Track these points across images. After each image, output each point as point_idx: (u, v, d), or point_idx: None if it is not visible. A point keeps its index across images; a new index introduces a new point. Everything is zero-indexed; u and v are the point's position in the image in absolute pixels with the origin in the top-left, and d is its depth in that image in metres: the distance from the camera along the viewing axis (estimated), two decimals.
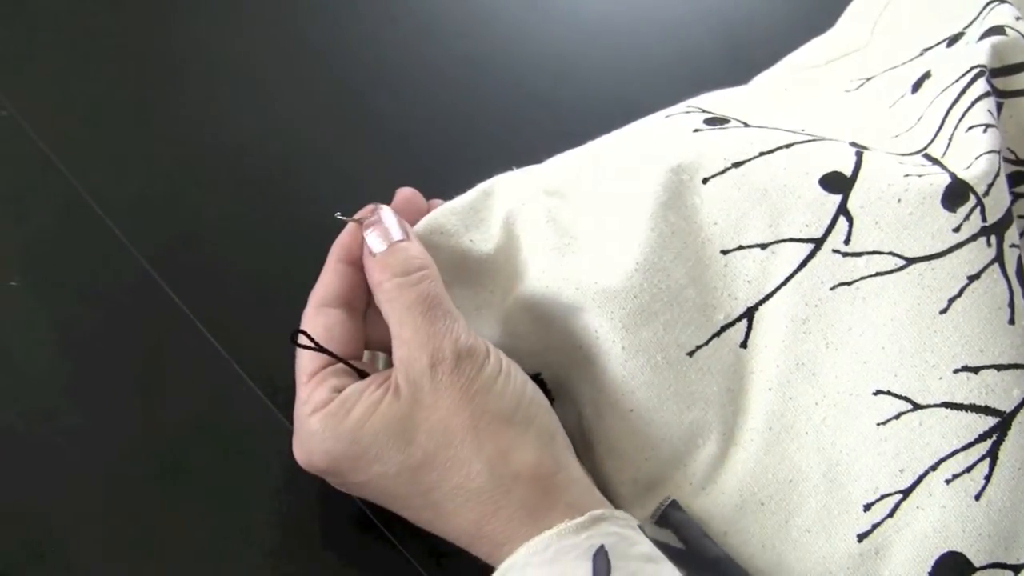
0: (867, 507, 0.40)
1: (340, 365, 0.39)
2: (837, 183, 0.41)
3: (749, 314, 0.42)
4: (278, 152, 0.55)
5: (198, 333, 0.46)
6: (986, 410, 0.39)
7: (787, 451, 0.41)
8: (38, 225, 0.51)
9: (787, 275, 0.42)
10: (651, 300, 0.41)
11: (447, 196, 0.45)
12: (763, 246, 0.42)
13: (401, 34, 0.62)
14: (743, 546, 0.41)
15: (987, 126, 0.42)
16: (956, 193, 0.40)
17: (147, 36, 0.60)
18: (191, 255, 0.51)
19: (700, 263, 0.42)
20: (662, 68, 0.61)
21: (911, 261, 0.40)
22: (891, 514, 0.40)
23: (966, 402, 0.39)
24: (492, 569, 0.36)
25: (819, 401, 0.41)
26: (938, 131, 0.44)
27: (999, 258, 0.40)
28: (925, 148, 0.44)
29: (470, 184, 0.46)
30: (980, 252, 0.40)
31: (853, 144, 0.44)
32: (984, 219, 0.40)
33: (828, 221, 0.41)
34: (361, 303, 0.41)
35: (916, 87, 0.49)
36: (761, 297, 0.42)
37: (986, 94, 0.43)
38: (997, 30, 0.46)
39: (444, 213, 0.43)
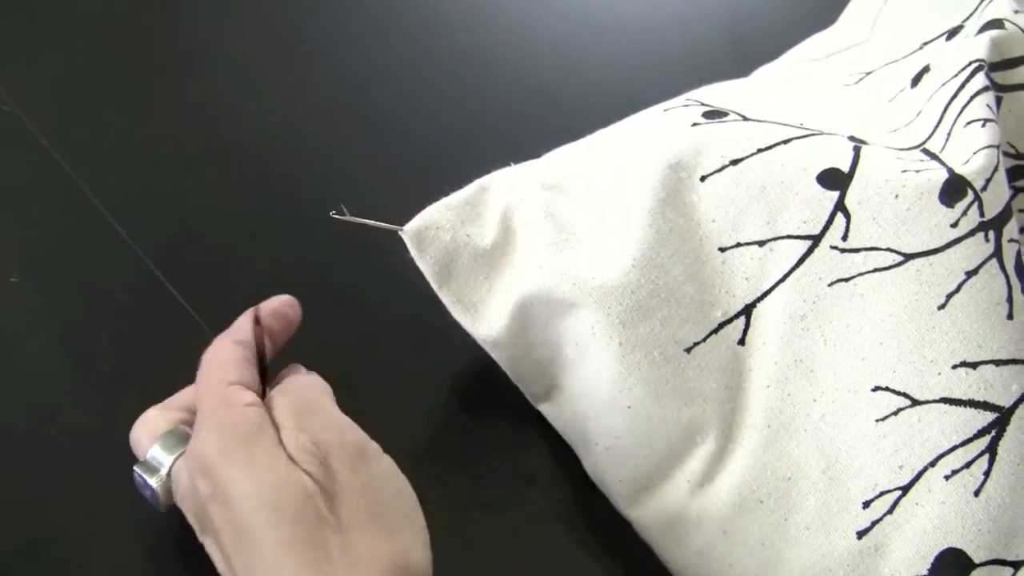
0: (866, 504, 0.40)
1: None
2: (835, 179, 0.41)
3: (747, 311, 0.42)
4: (281, 148, 0.56)
5: (200, 329, 0.46)
6: (985, 405, 0.39)
7: (786, 448, 0.41)
8: (39, 221, 0.51)
9: (785, 272, 0.42)
10: (648, 296, 0.41)
11: (449, 188, 0.45)
12: (761, 243, 0.42)
13: (404, 29, 0.62)
14: (742, 544, 0.40)
15: (986, 121, 0.42)
16: (954, 188, 0.40)
17: (150, 32, 0.60)
18: (193, 251, 0.51)
19: (698, 260, 0.42)
20: (666, 63, 0.61)
21: (909, 257, 0.40)
22: (890, 511, 0.40)
23: (965, 398, 0.39)
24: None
25: (817, 398, 0.41)
26: (937, 126, 0.44)
27: (997, 253, 0.40)
28: (924, 143, 0.44)
29: (472, 179, 0.46)
30: (978, 247, 0.40)
31: (851, 138, 0.44)
32: (982, 214, 0.40)
33: (826, 218, 0.41)
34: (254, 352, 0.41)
35: (915, 81, 0.48)
36: (759, 294, 0.42)
37: (985, 88, 0.43)
38: (996, 23, 0.46)
39: (439, 209, 0.43)
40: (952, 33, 0.50)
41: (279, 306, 0.43)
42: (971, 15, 0.49)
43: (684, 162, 0.43)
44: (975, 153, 0.41)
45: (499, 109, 0.59)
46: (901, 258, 0.40)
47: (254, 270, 0.50)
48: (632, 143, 0.45)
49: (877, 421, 0.40)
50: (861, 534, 0.40)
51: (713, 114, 0.46)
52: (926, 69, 0.48)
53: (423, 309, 0.44)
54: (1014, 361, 0.39)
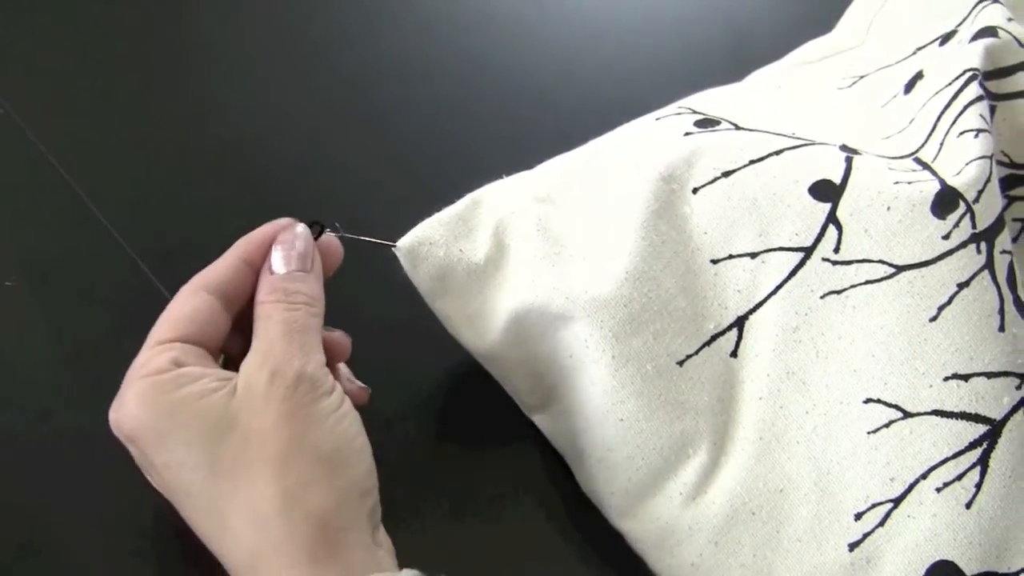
0: (858, 516, 0.40)
1: (191, 346, 0.38)
2: (826, 191, 0.41)
3: (739, 323, 0.42)
4: (279, 151, 0.55)
5: None
6: (976, 418, 0.39)
7: (778, 460, 0.41)
8: (34, 224, 0.51)
9: (777, 284, 0.42)
10: (641, 309, 0.41)
11: (444, 197, 0.45)
12: (753, 255, 0.42)
13: (403, 32, 0.62)
14: (734, 556, 0.41)
15: (979, 131, 0.42)
16: (946, 200, 0.40)
17: (146, 34, 0.60)
18: (189, 255, 0.50)
19: (690, 272, 0.42)
20: (664, 68, 0.61)
21: (901, 269, 0.40)
22: (882, 523, 0.40)
23: (956, 410, 0.39)
24: None
25: (809, 410, 0.41)
26: (929, 135, 0.44)
27: (989, 265, 0.40)
28: (916, 151, 0.44)
29: (467, 185, 0.46)
30: (970, 259, 0.40)
31: (844, 148, 0.44)
32: (974, 226, 0.40)
33: (818, 230, 0.41)
34: (237, 302, 0.40)
35: (909, 87, 0.48)
36: (751, 306, 0.42)
37: (979, 98, 0.43)
38: (989, 31, 0.46)
39: (432, 224, 0.43)
40: (946, 38, 0.50)
41: (268, 236, 0.41)
42: (964, 20, 0.49)
43: (676, 174, 0.43)
44: (967, 164, 0.41)
45: (496, 112, 0.59)
46: (893, 270, 0.40)
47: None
48: (624, 154, 0.45)
49: (869, 433, 0.40)
50: (853, 546, 0.40)
51: (705, 123, 0.46)
52: (919, 75, 0.48)
53: (418, 314, 0.44)
54: (1006, 373, 0.39)
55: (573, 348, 0.42)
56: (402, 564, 0.42)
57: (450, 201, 0.45)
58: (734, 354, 0.42)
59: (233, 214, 0.52)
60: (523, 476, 0.46)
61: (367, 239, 0.43)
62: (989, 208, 0.40)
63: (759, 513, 0.41)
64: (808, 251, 0.41)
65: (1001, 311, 0.39)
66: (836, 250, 0.41)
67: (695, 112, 0.48)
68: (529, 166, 0.48)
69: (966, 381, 0.39)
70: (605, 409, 0.42)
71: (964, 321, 0.39)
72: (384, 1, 0.63)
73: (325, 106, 0.58)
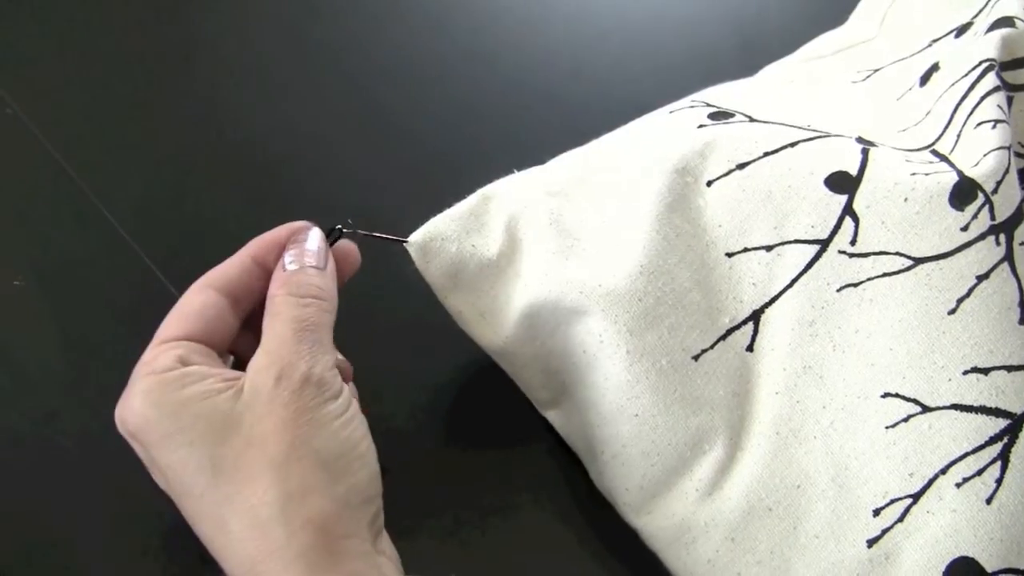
0: (876, 512, 0.39)
1: (198, 345, 0.38)
2: (842, 183, 0.41)
3: (755, 317, 0.42)
4: (285, 151, 0.55)
5: None
6: (996, 412, 0.39)
7: (795, 456, 0.41)
8: (42, 224, 0.51)
9: (793, 277, 0.41)
10: (656, 304, 0.41)
11: (453, 195, 0.45)
12: (768, 248, 0.42)
13: (409, 31, 0.62)
14: (751, 552, 0.40)
15: (996, 122, 0.41)
16: (964, 191, 0.39)
17: (155, 35, 0.60)
18: (197, 255, 0.50)
19: (705, 266, 0.42)
20: (672, 65, 0.61)
21: (918, 261, 0.40)
22: (901, 519, 0.39)
23: (976, 404, 0.39)
24: None
25: (827, 404, 0.41)
26: (946, 126, 0.44)
27: (1008, 257, 0.39)
28: (933, 144, 0.44)
29: (476, 183, 0.46)
30: (989, 251, 0.39)
31: (859, 140, 0.43)
32: (993, 217, 0.39)
33: (834, 222, 0.41)
34: (246, 302, 0.40)
35: (924, 80, 0.48)
36: (767, 300, 0.42)
37: (996, 88, 0.43)
38: (1006, 21, 0.45)
39: (444, 220, 0.43)
40: (961, 30, 0.50)
41: (281, 237, 0.41)
42: (980, 12, 0.49)
43: (690, 167, 0.42)
44: (985, 155, 0.40)
45: (504, 111, 0.58)
46: (911, 262, 0.40)
47: None
48: (638, 147, 0.45)
49: (887, 428, 0.40)
50: (871, 542, 0.39)
51: (719, 115, 0.46)
52: (935, 67, 0.48)
53: (426, 312, 0.44)
54: None
55: (587, 343, 0.42)
56: (414, 562, 0.41)
57: (460, 199, 0.45)
58: (750, 348, 0.42)
59: (242, 214, 0.52)
60: (537, 473, 0.46)
61: (379, 236, 0.42)
62: (1008, 199, 0.40)
63: (776, 509, 0.40)
64: (824, 244, 0.41)
65: (1021, 303, 0.39)
66: (853, 242, 0.40)
67: (709, 105, 0.48)
68: (539, 164, 0.48)
69: (986, 375, 0.39)
70: (619, 404, 0.41)
71: (983, 314, 0.39)
72: (392, 1, 0.63)
73: (334, 105, 0.58)
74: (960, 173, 0.40)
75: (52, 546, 0.42)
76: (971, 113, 0.43)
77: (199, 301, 0.38)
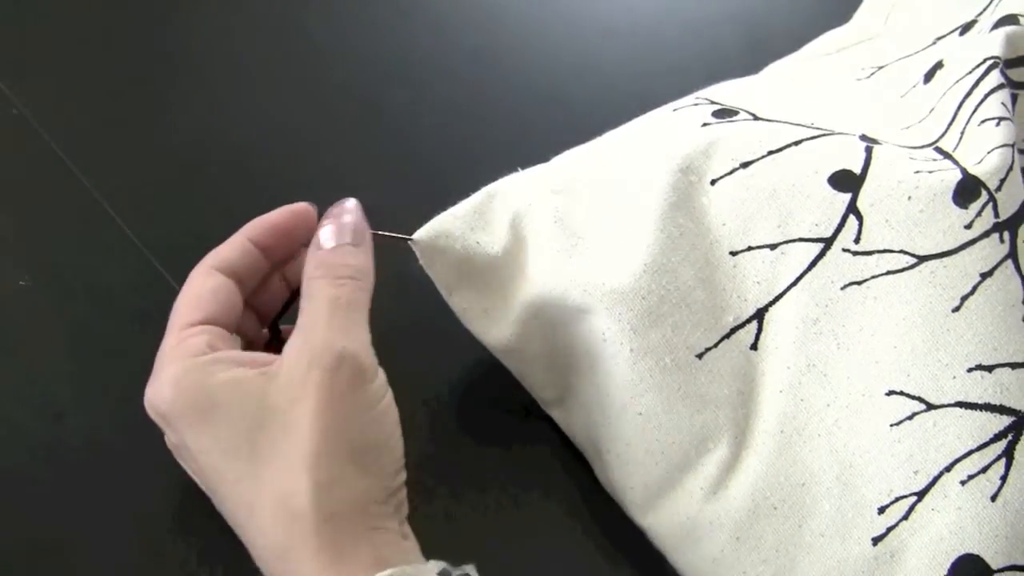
0: (881, 510, 0.39)
1: (219, 329, 0.38)
2: (846, 181, 0.41)
3: (759, 315, 0.42)
4: (289, 151, 0.55)
5: None
6: (1001, 409, 0.39)
7: (799, 454, 0.41)
8: (48, 224, 0.52)
9: (797, 275, 0.41)
10: (659, 302, 0.41)
11: (457, 194, 0.45)
12: (772, 246, 0.42)
13: (410, 30, 0.62)
14: (756, 551, 0.40)
15: (1000, 119, 0.41)
16: (967, 189, 0.39)
17: (159, 35, 0.60)
18: (202, 254, 0.51)
19: (709, 264, 0.42)
20: (676, 65, 0.60)
21: (922, 259, 0.40)
22: (906, 516, 0.39)
23: (980, 401, 0.39)
24: None
25: (831, 402, 0.41)
26: (950, 124, 0.44)
27: (1013, 254, 0.39)
28: (937, 141, 0.44)
29: (480, 183, 0.46)
30: (993, 249, 0.39)
31: (863, 138, 0.43)
32: (997, 215, 0.39)
33: (838, 220, 0.41)
34: (248, 283, 0.40)
35: (928, 77, 0.48)
36: (771, 298, 0.42)
37: (1000, 86, 0.43)
38: (1011, 19, 0.45)
39: (448, 217, 0.43)
40: (965, 28, 0.50)
41: (279, 220, 0.41)
42: (984, 10, 0.49)
43: (694, 165, 0.42)
44: (989, 152, 0.40)
45: (507, 112, 0.58)
46: (915, 260, 0.40)
47: None
48: (642, 145, 0.45)
49: (892, 426, 0.40)
50: (876, 540, 0.39)
51: (723, 113, 0.46)
52: (939, 65, 0.48)
53: (428, 311, 0.44)
54: None
55: (591, 341, 0.42)
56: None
57: (464, 199, 0.45)
58: (754, 347, 0.42)
59: (246, 214, 0.52)
60: (542, 472, 0.46)
61: (383, 234, 0.42)
62: (1012, 197, 0.40)
63: (781, 507, 0.40)
64: (828, 242, 0.41)
65: None
66: (857, 240, 0.40)
67: (713, 103, 0.48)
68: (544, 163, 0.48)
69: (990, 372, 0.39)
70: (623, 403, 0.41)
71: (988, 311, 0.39)
72: (393, 2, 0.63)
73: (338, 105, 0.58)
74: (964, 171, 0.39)
75: (59, 545, 0.42)
76: (975, 110, 0.43)
77: (210, 284, 0.38)
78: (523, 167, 0.46)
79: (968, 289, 0.39)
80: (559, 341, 0.43)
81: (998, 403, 0.39)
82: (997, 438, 0.39)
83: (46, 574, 0.42)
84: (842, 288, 0.41)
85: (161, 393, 0.35)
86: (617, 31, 0.62)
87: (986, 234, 0.39)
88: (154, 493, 0.43)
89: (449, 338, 0.45)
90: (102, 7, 0.61)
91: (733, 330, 0.42)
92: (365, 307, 0.38)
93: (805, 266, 0.41)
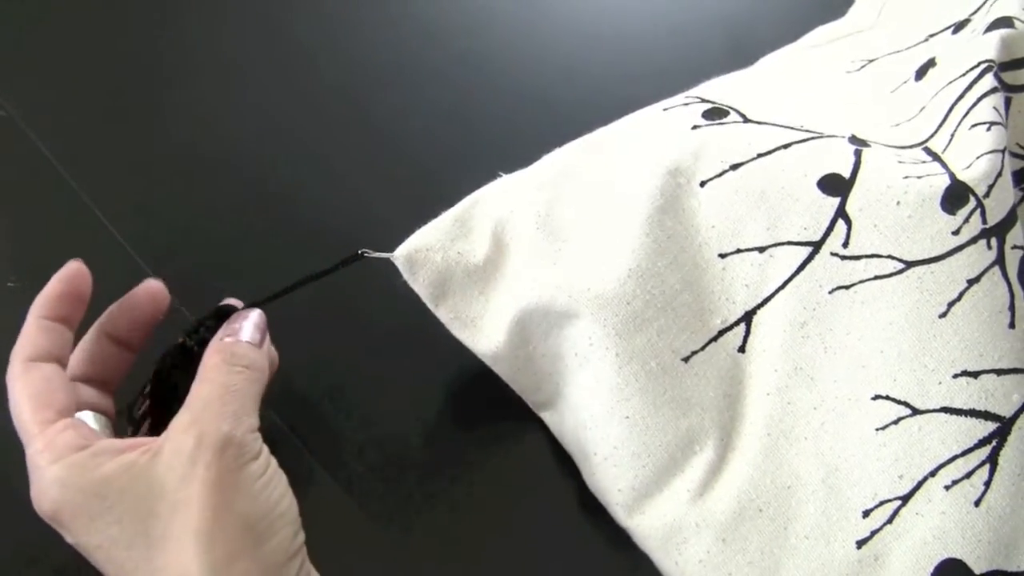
0: (866, 513, 0.40)
1: (73, 420, 0.37)
2: (835, 185, 0.41)
3: (747, 318, 0.42)
4: (279, 157, 0.55)
5: None
6: (986, 415, 0.39)
7: (786, 457, 0.41)
8: (36, 226, 0.52)
9: (785, 278, 0.41)
10: (644, 307, 0.41)
11: (444, 196, 0.45)
12: (761, 249, 0.42)
13: (400, 34, 0.61)
14: (741, 553, 0.40)
15: (992, 124, 0.41)
16: (956, 195, 0.39)
17: (147, 39, 0.60)
18: (191, 258, 0.51)
19: (697, 267, 0.42)
20: (663, 70, 0.60)
21: (910, 264, 0.40)
22: (890, 520, 0.39)
23: (966, 407, 0.39)
24: None
25: (817, 406, 0.41)
26: (940, 124, 0.44)
27: (1000, 261, 0.39)
28: (926, 141, 0.44)
29: (468, 184, 0.46)
30: (980, 255, 0.39)
31: (852, 140, 0.43)
32: (984, 221, 0.39)
33: (826, 224, 0.41)
34: (67, 358, 0.39)
35: (920, 74, 0.48)
36: (759, 301, 0.42)
37: (993, 90, 0.42)
38: (1005, 22, 0.45)
39: (429, 230, 0.43)
40: (959, 27, 0.49)
41: (57, 289, 0.39)
42: (978, 10, 0.49)
43: (683, 167, 0.42)
44: (978, 158, 0.40)
45: (495, 114, 0.58)
46: (902, 266, 0.40)
47: (250, 276, 0.50)
48: (630, 147, 0.45)
49: (877, 430, 0.40)
50: (860, 543, 0.40)
51: (713, 113, 0.46)
52: (931, 63, 0.47)
53: (417, 318, 0.44)
54: (1016, 370, 0.39)
55: (578, 346, 0.42)
56: (411, 565, 0.42)
57: (450, 205, 0.45)
58: (742, 349, 0.42)
59: (235, 218, 0.53)
60: (529, 477, 0.46)
61: (365, 253, 0.42)
62: (1000, 203, 0.40)
63: (767, 510, 0.41)
64: (817, 245, 0.41)
65: (1012, 307, 0.39)
66: (845, 245, 0.41)
67: (703, 101, 0.48)
68: None
69: (976, 378, 0.39)
70: (610, 407, 0.41)
71: (974, 317, 0.39)
72: (381, 5, 0.63)
73: (325, 110, 0.58)
74: (952, 176, 0.39)
75: (45, 549, 0.42)
76: (966, 114, 0.42)
77: (39, 377, 0.37)
78: (510, 170, 0.46)
79: (955, 295, 0.39)
80: (548, 346, 0.43)
81: (983, 409, 0.39)
82: (981, 444, 0.39)
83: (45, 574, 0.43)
84: (830, 292, 0.41)
85: (49, 496, 0.35)
86: (603, 35, 0.61)
87: (973, 240, 0.39)
88: None
89: (433, 339, 0.45)
90: (89, 8, 0.61)
91: (721, 333, 0.42)
92: (256, 397, 0.38)
93: (793, 269, 0.41)
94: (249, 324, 0.40)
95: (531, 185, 0.45)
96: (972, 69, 0.44)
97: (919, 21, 0.53)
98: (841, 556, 0.40)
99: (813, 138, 0.43)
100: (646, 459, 0.41)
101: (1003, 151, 0.40)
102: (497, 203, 0.44)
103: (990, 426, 0.39)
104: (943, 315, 0.39)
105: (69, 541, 0.36)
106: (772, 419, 0.41)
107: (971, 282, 0.39)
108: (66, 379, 0.38)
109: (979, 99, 0.42)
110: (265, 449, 0.37)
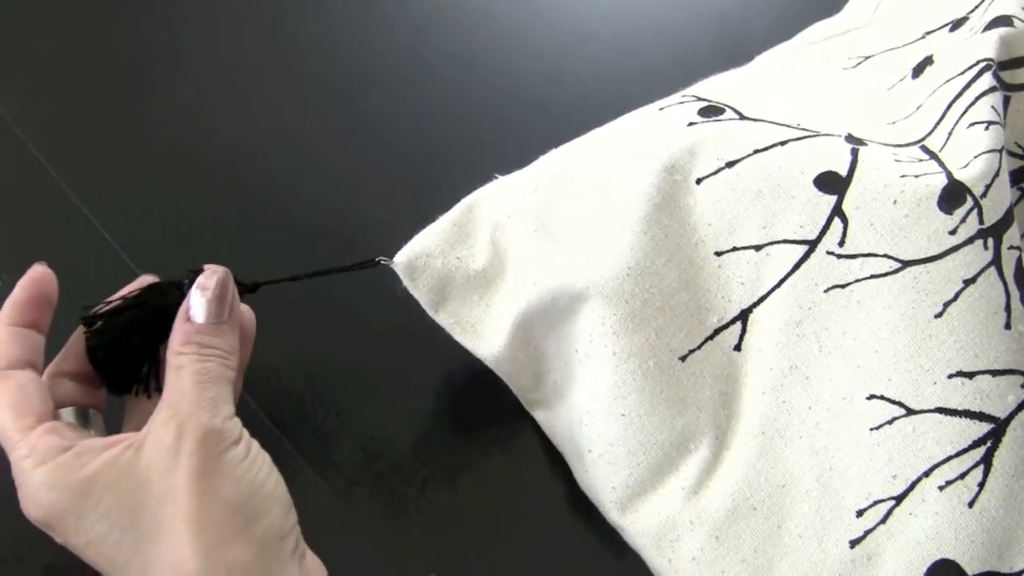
0: (860, 513, 0.40)
1: (54, 423, 0.37)
2: (832, 183, 0.41)
3: (743, 316, 0.42)
4: (269, 156, 0.55)
5: None
6: (980, 416, 0.39)
7: (780, 455, 0.41)
8: (24, 224, 0.51)
9: (781, 277, 0.41)
10: (643, 305, 0.41)
11: (437, 197, 0.45)
12: (757, 247, 0.42)
13: (392, 34, 0.61)
14: (735, 551, 0.40)
15: (989, 123, 0.41)
16: (953, 195, 0.39)
17: (138, 36, 0.60)
18: (176, 256, 0.51)
19: (693, 265, 0.42)
20: (655, 70, 0.60)
21: (906, 264, 0.40)
22: (884, 520, 0.39)
23: (960, 408, 0.39)
24: None
25: (812, 405, 0.41)
26: (938, 123, 0.43)
27: (996, 261, 0.39)
28: (923, 139, 0.44)
29: (460, 185, 0.46)
30: (976, 255, 0.39)
31: (849, 139, 0.43)
32: (981, 221, 0.39)
33: (823, 222, 0.41)
34: (40, 362, 0.39)
35: (917, 72, 0.47)
36: (755, 299, 0.42)
37: (992, 89, 0.42)
38: (1004, 20, 0.45)
39: (427, 235, 0.43)
40: (956, 24, 0.49)
41: (25, 294, 0.39)
42: (976, 8, 0.48)
43: (679, 165, 0.42)
44: (976, 157, 0.40)
45: (487, 115, 0.58)
46: (898, 265, 0.40)
47: (243, 274, 0.50)
48: (626, 145, 0.45)
49: (872, 430, 0.40)
50: (854, 543, 0.40)
51: (709, 111, 0.45)
52: (928, 60, 0.47)
53: (413, 318, 0.44)
54: (1011, 371, 0.39)
55: (578, 343, 0.42)
56: (405, 565, 0.42)
57: (443, 205, 0.45)
58: (737, 348, 0.42)
59: (222, 216, 0.52)
60: (521, 478, 0.46)
61: (367, 263, 0.42)
62: (997, 203, 0.39)
63: (760, 508, 0.41)
64: (813, 244, 0.41)
65: (1008, 308, 0.39)
66: (841, 243, 0.40)
67: (699, 99, 0.47)
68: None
69: (971, 379, 0.39)
70: (607, 404, 0.41)
71: (970, 318, 0.39)
72: (374, 4, 0.62)
73: (317, 110, 0.57)
74: (949, 175, 0.39)
75: (31, 546, 0.42)
76: (964, 112, 0.42)
77: (13, 385, 0.37)
78: (503, 171, 0.46)
79: (951, 295, 0.39)
80: (548, 346, 0.43)
81: (978, 410, 0.39)
82: (976, 444, 0.39)
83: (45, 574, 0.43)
84: (826, 291, 0.41)
85: (38, 500, 0.35)
86: (596, 36, 0.61)
87: (970, 240, 0.39)
88: None
89: (428, 339, 0.45)
90: (80, 8, 0.60)
91: (717, 331, 0.42)
92: (230, 381, 0.38)
93: (789, 268, 0.41)
94: (213, 299, 0.39)
95: (528, 187, 0.44)
96: (971, 67, 0.43)
97: (916, 18, 0.52)
98: (834, 555, 0.40)
99: (810, 136, 0.43)
100: (641, 456, 0.41)
101: (1001, 151, 0.40)
102: (494, 206, 0.44)
103: (985, 427, 0.39)
104: (939, 315, 0.39)
105: (59, 542, 0.36)
106: (767, 418, 0.41)
107: (967, 282, 0.39)
108: (41, 384, 0.38)
109: (977, 98, 0.42)
110: (245, 432, 0.37)
